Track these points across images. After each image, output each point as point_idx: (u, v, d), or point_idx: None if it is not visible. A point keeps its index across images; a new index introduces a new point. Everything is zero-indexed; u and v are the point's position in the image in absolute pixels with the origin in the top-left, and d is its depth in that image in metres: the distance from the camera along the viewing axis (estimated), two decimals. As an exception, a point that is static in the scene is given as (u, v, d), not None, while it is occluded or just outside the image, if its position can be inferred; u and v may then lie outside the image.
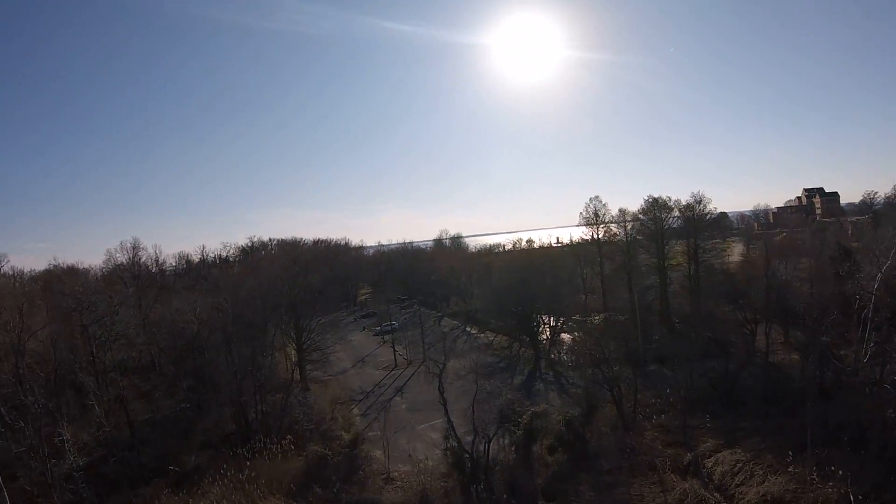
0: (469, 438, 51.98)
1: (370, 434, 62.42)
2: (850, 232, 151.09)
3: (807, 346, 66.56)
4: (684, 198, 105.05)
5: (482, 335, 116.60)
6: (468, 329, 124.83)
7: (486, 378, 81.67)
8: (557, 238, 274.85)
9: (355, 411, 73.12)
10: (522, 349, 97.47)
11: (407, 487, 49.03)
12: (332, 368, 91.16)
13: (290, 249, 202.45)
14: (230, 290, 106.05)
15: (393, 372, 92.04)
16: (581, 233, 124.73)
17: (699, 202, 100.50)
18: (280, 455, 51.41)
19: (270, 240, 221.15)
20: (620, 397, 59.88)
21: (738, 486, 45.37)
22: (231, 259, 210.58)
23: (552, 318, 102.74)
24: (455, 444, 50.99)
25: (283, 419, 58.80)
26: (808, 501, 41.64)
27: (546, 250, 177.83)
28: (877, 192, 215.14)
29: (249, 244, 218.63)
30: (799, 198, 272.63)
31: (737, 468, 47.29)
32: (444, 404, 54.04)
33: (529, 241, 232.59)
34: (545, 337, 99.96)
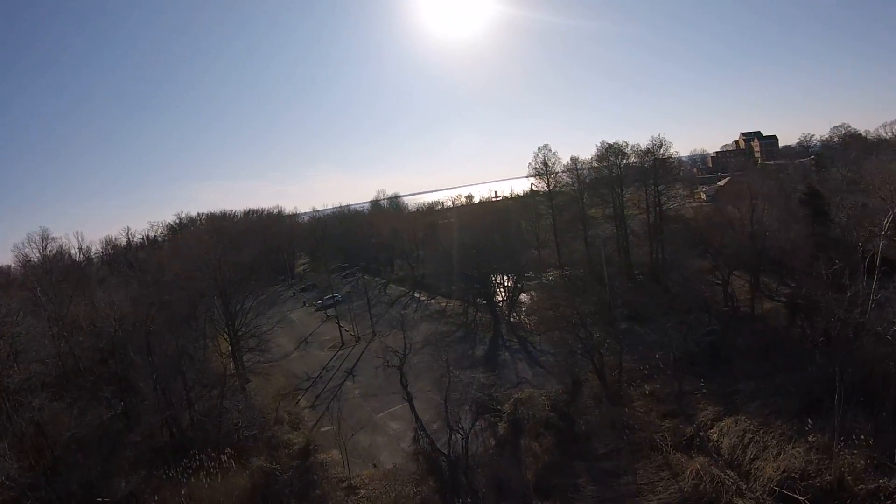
0: (436, 426, 45.76)
1: (323, 429, 54.62)
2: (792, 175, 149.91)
3: (795, 297, 62.01)
4: (643, 142, 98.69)
5: (433, 301, 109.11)
6: (417, 295, 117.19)
7: (446, 350, 75.13)
8: (495, 192, 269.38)
9: (303, 403, 64.75)
10: (479, 314, 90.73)
11: (374, 497, 41.37)
12: (273, 353, 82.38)
13: (220, 223, 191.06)
14: (153, 275, 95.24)
15: (340, 352, 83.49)
16: (530, 184, 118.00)
17: (660, 146, 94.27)
18: (220, 474, 42.82)
19: (199, 215, 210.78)
20: (602, 366, 53.61)
21: (751, 460, 39.89)
22: (160, 239, 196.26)
23: (506, 278, 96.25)
24: (427, 445, 43.58)
25: (221, 427, 50.07)
26: (835, 473, 36.32)
27: (493, 205, 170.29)
28: (813, 135, 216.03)
29: (177, 221, 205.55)
30: (736, 142, 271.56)
31: (746, 439, 41.95)
32: (410, 400, 46.55)
33: (469, 197, 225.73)
34: (500, 298, 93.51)
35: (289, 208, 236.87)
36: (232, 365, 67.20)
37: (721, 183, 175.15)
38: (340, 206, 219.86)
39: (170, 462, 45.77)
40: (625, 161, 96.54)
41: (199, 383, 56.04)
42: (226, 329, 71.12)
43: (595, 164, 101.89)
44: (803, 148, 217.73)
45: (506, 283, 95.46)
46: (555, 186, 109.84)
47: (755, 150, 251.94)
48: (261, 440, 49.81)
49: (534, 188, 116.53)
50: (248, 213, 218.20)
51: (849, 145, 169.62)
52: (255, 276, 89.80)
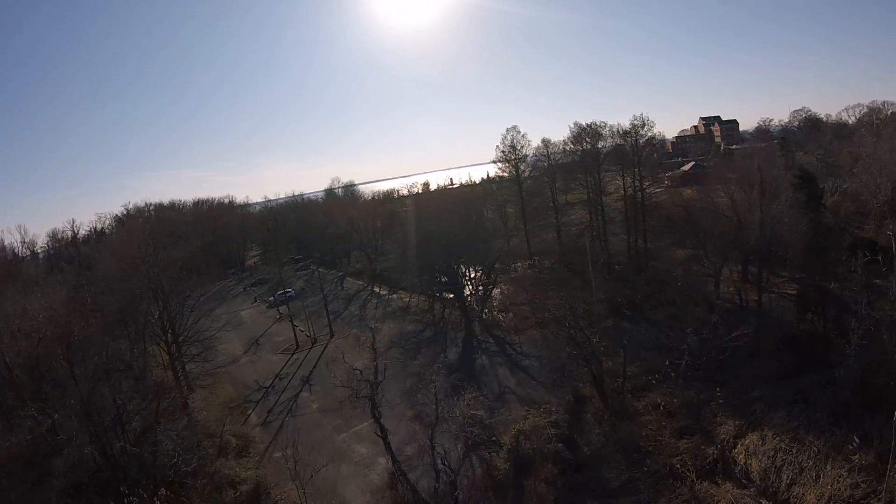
0: (411, 451, 38.94)
1: (277, 455, 46.40)
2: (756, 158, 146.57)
3: (807, 290, 56.41)
4: (623, 122, 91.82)
5: (395, 296, 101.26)
6: (376, 290, 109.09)
7: (411, 353, 67.68)
8: (451, 179, 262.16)
9: (253, 419, 55.96)
10: (447, 310, 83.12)
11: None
12: (220, 359, 73.68)
13: (168, 214, 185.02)
14: (93, 272, 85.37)
15: (295, 356, 74.55)
16: (497, 168, 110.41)
17: (642, 125, 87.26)
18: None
19: (148, 205, 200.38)
20: (602, 374, 46.60)
21: (788, 486, 33.80)
22: (107, 232, 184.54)
23: (473, 270, 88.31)
24: (408, 494, 35.71)
25: (157, 457, 41.45)
26: (886, 497, 30.91)
27: (457, 192, 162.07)
28: (771, 119, 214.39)
29: (125, 213, 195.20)
30: (695, 127, 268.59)
31: (779, 460, 35.75)
32: (385, 437, 38.84)
33: (426, 184, 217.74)
34: (469, 292, 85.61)
35: (240, 198, 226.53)
36: (172, 377, 58.68)
37: (686, 168, 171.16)
38: (293, 195, 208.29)
39: (97, 499, 37.57)
40: (602, 143, 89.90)
41: (138, 394, 47.74)
42: (163, 336, 61.84)
43: (571, 145, 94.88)
44: (762, 132, 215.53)
45: (474, 276, 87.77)
46: (524, 171, 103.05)
47: (715, 134, 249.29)
48: (203, 475, 41.26)
49: (501, 173, 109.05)
50: (198, 204, 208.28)
51: (813, 129, 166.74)
52: (199, 273, 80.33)
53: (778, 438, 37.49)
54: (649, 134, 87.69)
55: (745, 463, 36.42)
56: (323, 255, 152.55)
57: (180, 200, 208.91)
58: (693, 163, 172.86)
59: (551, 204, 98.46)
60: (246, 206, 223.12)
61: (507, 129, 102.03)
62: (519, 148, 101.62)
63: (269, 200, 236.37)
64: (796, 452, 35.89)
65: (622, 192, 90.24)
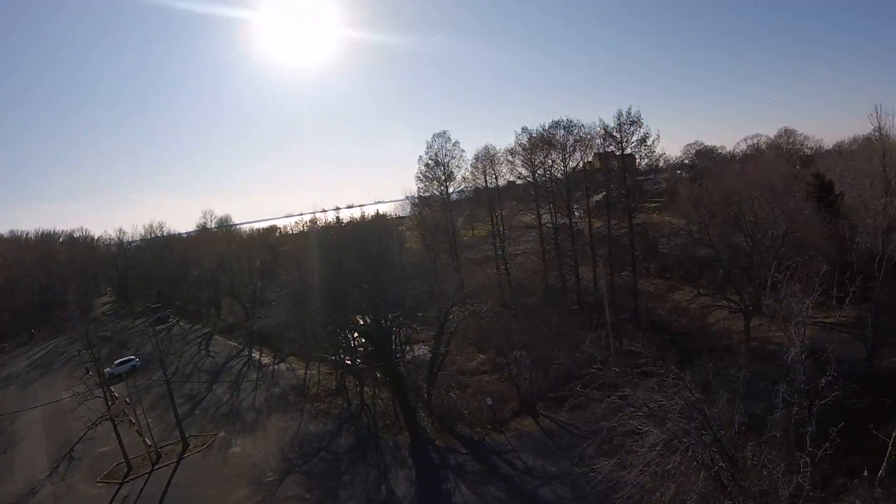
0: None
1: None
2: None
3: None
4: (606, 118, 71.05)
5: (282, 365, 73.09)
6: (256, 356, 79.94)
7: (325, 485, 39.47)
8: (337, 217, 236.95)
9: None
10: (366, 389, 56.36)
11: None
12: (14, 484, 44.26)
13: (4, 248, 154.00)
14: None
15: (124, 488, 44.16)
16: (417, 189, 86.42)
17: (632, 122, 65.90)
18: None
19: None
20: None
21: None
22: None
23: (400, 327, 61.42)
24: None
25: None
26: None
27: (373, 223, 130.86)
28: (663, 153, 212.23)
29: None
30: (589, 162, 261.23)
31: None
32: None
33: (313, 220, 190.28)
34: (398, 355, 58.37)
35: (98, 232, 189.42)
36: None
37: (597, 198, 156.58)
38: (151, 229, 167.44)
39: None
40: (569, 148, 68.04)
41: None
42: None
43: (521, 160, 72.76)
44: (650, 167, 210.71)
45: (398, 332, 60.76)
46: (456, 190, 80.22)
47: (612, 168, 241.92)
48: None
49: (423, 193, 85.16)
50: (43, 237, 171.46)
51: (711, 160, 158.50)
52: None
53: None
54: (638, 135, 67.03)
55: None
56: (186, 304, 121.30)
57: (23, 232, 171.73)
58: (604, 192, 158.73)
59: (494, 232, 75.99)
60: (96, 243, 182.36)
61: (434, 136, 79.34)
62: (448, 162, 78.20)
63: (124, 235, 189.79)
64: None
65: (588, 214, 69.28)
